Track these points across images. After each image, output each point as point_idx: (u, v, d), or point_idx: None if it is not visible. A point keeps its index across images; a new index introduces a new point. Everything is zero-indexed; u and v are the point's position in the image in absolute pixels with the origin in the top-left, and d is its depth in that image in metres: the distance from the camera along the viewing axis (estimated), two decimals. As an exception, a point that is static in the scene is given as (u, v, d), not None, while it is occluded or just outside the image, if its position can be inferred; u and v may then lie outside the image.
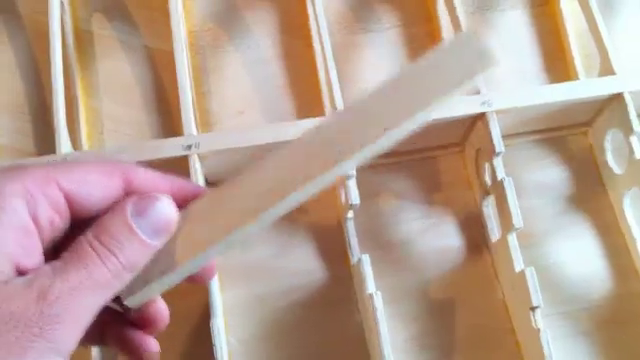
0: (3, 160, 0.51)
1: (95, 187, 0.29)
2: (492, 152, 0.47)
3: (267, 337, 0.47)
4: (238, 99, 0.54)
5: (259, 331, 0.47)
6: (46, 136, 0.51)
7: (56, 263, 0.27)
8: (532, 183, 0.53)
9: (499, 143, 0.46)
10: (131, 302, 0.30)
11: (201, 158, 0.46)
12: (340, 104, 0.47)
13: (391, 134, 0.31)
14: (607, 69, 0.50)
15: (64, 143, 0.45)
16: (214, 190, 0.32)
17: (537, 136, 0.54)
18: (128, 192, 0.30)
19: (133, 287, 0.29)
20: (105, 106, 0.53)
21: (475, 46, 0.32)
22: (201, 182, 0.45)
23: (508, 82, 0.54)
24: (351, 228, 0.48)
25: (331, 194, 0.51)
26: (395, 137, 0.31)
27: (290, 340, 0.47)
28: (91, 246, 0.27)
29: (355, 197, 0.45)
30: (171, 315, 0.32)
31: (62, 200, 0.28)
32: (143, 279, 0.30)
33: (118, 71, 0.54)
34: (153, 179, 0.31)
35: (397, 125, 0.31)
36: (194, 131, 0.46)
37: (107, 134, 0.52)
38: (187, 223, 0.31)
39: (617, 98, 0.49)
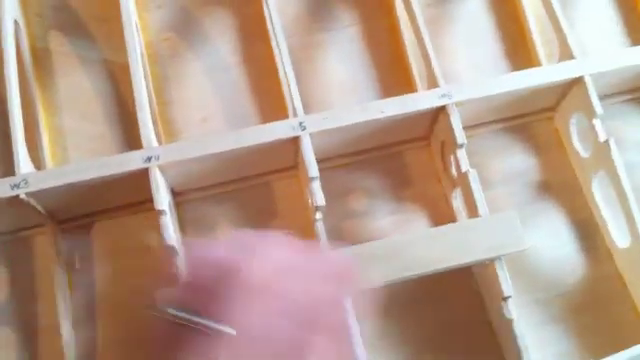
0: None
1: None
2: (455, 144, 0.46)
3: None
4: (201, 107, 0.53)
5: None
6: (8, 157, 0.51)
7: None
8: (500, 171, 0.53)
9: (461, 135, 0.46)
10: None
11: (162, 169, 0.45)
12: (298, 106, 0.47)
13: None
14: (566, 54, 0.50)
15: (23, 163, 0.45)
16: None
17: (503, 124, 0.54)
18: None
19: None
20: (67, 122, 0.52)
21: (513, 227, 0.44)
22: (164, 193, 0.45)
23: (470, 71, 0.54)
24: (320, 229, 0.48)
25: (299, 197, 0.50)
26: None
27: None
28: None
29: (320, 199, 0.45)
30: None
31: None
32: None
33: (78, 86, 0.53)
34: None
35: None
36: (154, 143, 0.46)
37: (71, 150, 0.52)
38: None
39: (578, 82, 0.49)
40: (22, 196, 0.44)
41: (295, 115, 0.47)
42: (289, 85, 0.48)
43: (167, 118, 0.53)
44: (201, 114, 0.53)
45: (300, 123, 0.46)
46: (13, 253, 0.50)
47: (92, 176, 0.44)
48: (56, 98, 0.53)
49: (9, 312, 0.48)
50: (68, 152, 0.52)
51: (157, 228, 0.49)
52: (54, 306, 0.47)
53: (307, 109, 0.48)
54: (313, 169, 0.45)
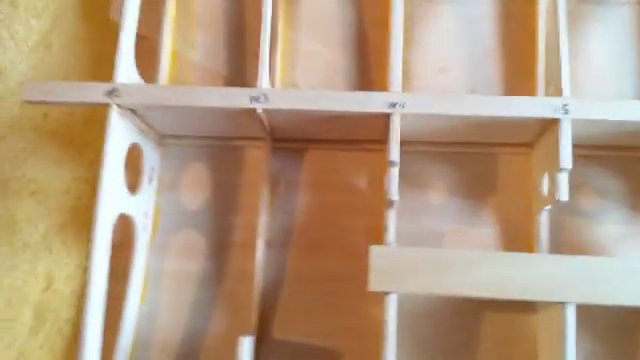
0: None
1: None
2: None
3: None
4: (442, 55, 0.49)
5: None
6: (237, 60, 0.49)
7: None
8: None
9: None
10: None
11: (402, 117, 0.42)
12: (565, 85, 0.42)
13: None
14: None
15: (264, 77, 0.43)
16: None
17: None
18: None
19: None
20: (303, 41, 0.50)
21: None
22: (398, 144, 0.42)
23: None
24: (544, 220, 0.44)
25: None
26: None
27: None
28: None
29: (564, 193, 0.41)
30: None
31: None
32: None
33: (322, 5, 0.50)
34: None
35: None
36: (399, 88, 0.43)
37: (299, 71, 0.50)
38: None
39: None
40: (259, 111, 0.42)
41: (556, 94, 0.43)
42: (558, 58, 0.43)
43: (404, 59, 0.49)
44: (440, 63, 0.49)
45: (563, 105, 0.41)
46: (223, 161, 0.49)
47: (332, 108, 0.42)
48: (298, 15, 0.51)
49: (206, 219, 0.48)
50: (296, 73, 0.50)
51: (367, 169, 0.47)
52: (252, 223, 0.46)
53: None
54: (566, 159, 0.40)
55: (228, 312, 0.46)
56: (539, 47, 0.47)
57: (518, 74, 0.49)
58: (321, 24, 0.50)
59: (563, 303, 0.39)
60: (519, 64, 0.49)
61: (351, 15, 0.50)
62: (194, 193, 0.48)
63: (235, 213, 0.48)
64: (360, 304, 0.45)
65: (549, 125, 0.42)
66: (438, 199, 0.47)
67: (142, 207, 0.46)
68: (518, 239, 0.46)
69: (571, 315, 0.39)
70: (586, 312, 0.43)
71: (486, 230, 0.46)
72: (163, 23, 0.49)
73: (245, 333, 0.42)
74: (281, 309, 0.46)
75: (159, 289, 0.46)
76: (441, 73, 0.49)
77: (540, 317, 0.44)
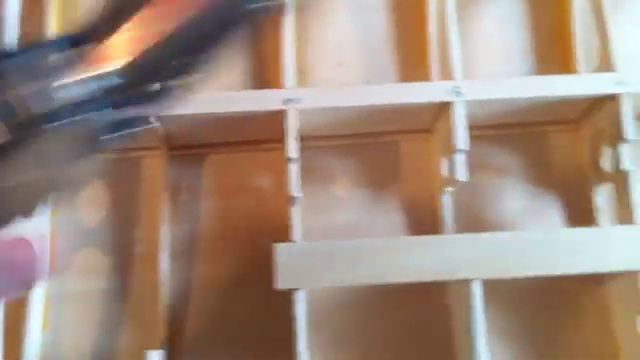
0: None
1: None
2: (620, 137, 0.42)
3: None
4: (338, 49, 0.49)
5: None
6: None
7: None
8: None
9: (631, 128, 0.42)
10: None
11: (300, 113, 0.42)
12: (456, 68, 0.43)
13: None
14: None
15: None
16: None
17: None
18: None
19: None
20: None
21: None
22: (296, 140, 0.41)
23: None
24: (447, 203, 0.45)
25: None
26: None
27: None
28: None
29: (462, 174, 0.41)
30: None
31: None
32: None
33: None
34: None
35: None
36: (294, 84, 0.42)
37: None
38: None
39: None
40: (151, 119, 0.41)
41: (446, 78, 0.43)
42: (445, 43, 0.44)
43: (300, 55, 0.49)
44: (337, 57, 0.49)
45: (454, 88, 0.42)
46: (119, 174, 0.47)
47: (226, 110, 0.41)
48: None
49: (106, 235, 0.46)
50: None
51: (269, 169, 0.47)
52: (154, 235, 0.45)
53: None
54: (462, 141, 0.41)
55: (136, 328, 0.44)
56: (430, 33, 0.48)
57: (413, 61, 0.49)
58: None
59: (469, 280, 0.40)
60: (413, 51, 0.49)
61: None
62: (91, 210, 0.46)
63: (136, 226, 0.46)
64: (272, 305, 0.44)
65: (443, 109, 0.43)
66: (344, 192, 0.47)
67: (37, 229, 0.44)
68: (425, 223, 0.46)
69: (477, 291, 0.39)
70: (496, 289, 0.44)
71: (393, 217, 0.46)
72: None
73: (153, 347, 0.40)
74: (191, 320, 0.44)
75: (62, 313, 0.44)
76: (338, 67, 0.49)
77: (452, 298, 0.44)
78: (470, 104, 0.42)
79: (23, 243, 0.31)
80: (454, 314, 0.44)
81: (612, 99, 0.42)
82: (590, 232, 0.42)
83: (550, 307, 0.45)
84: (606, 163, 0.44)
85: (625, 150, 0.42)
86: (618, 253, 0.40)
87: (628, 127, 0.41)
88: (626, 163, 0.42)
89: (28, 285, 0.31)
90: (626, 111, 0.42)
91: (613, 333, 0.44)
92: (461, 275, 0.40)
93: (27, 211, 0.26)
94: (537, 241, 0.40)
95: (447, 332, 0.44)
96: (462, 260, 0.39)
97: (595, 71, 0.45)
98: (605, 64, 0.44)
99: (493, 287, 0.42)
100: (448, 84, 0.42)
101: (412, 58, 0.49)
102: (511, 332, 0.44)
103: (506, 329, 0.44)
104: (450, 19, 0.44)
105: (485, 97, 0.42)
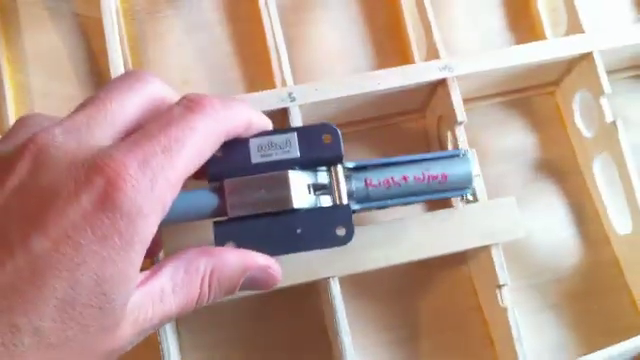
0: None
1: None
2: (454, 121, 0.43)
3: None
4: (182, 68, 0.49)
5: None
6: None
7: None
8: (498, 149, 0.50)
9: (461, 112, 0.43)
10: None
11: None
12: (288, 76, 0.44)
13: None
14: (575, 27, 0.47)
15: None
16: None
17: (502, 98, 0.51)
18: None
19: None
20: (34, 81, 0.48)
21: (511, 213, 0.42)
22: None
23: (470, 43, 0.51)
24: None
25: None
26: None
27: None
28: None
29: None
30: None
31: None
32: None
33: (47, 42, 0.49)
34: None
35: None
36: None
37: (37, 110, 0.48)
38: None
39: (586, 58, 0.46)
40: None
41: (284, 85, 0.44)
42: (278, 51, 0.44)
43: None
44: (182, 76, 0.49)
45: (289, 94, 0.43)
46: None
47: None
48: (22, 54, 0.49)
49: None
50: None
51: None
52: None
53: (296, 78, 0.45)
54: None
55: None
56: (269, 43, 0.48)
57: (258, 72, 0.50)
58: (48, 61, 0.48)
59: (327, 278, 0.40)
60: (256, 62, 0.50)
61: (77, 47, 0.49)
62: None
63: None
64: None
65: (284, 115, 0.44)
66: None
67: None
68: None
69: (336, 288, 0.40)
70: (360, 283, 0.45)
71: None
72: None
73: None
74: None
75: None
76: (184, 85, 0.49)
77: (322, 298, 0.45)
78: (308, 107, 0.43)
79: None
80: (325, 314, 0.44)
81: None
82: (444, 213, 0.43)
83: (418, 291, 0.46)
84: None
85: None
86: (471, 230, 0.42)
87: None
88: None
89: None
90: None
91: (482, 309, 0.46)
92: (321, 274, 0.40)
93: None
94: (389, 232, 0.41)
95: (322, 332, 0.45)
96: (320, 259, 0.40)
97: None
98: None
99: (354, 282, 0.43)
100: (283, 91, 0.43)
101: (256, 68, 0.50)
102: (380, 323, 0.45)
103: (373, 320, 0.45)
104: (276, 27, 0.45)
105: (319, 98, 0.43)
